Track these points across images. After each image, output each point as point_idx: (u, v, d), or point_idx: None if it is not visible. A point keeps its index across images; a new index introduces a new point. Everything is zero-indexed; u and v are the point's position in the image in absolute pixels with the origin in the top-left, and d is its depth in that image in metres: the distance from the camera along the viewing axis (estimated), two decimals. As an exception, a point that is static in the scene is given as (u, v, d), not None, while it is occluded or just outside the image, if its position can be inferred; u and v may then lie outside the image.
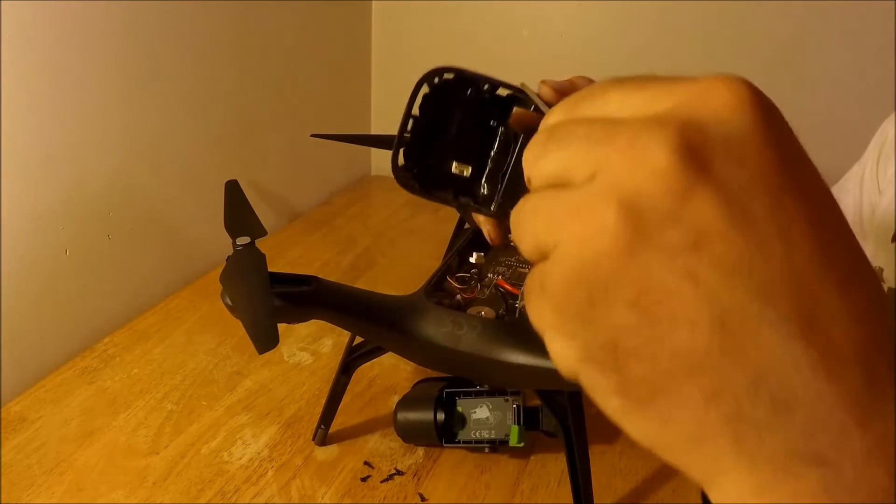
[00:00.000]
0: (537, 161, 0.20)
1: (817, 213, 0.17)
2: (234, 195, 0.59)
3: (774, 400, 0.16)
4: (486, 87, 0.36)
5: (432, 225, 1.06)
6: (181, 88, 0.84)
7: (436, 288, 0.55)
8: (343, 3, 1.13)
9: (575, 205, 0.18)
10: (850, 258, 0.17)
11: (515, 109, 0.37)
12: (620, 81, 0.20)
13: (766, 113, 0.18)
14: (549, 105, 0.36)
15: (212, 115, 0.90)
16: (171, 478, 0.58)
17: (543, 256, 0.19)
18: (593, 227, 0.17)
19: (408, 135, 0.37)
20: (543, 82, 0.36)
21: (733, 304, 0.16)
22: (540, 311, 0.19)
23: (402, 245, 1.01)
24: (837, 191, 0.59)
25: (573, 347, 0.18)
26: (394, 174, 0.38)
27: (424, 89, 0.36)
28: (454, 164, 0.38)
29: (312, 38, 1.07)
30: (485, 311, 0.52)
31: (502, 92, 0.36)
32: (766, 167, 0.17)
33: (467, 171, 0.38)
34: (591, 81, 0.37)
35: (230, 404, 0.67)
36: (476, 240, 0.62)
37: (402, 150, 0.37)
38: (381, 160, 1.30)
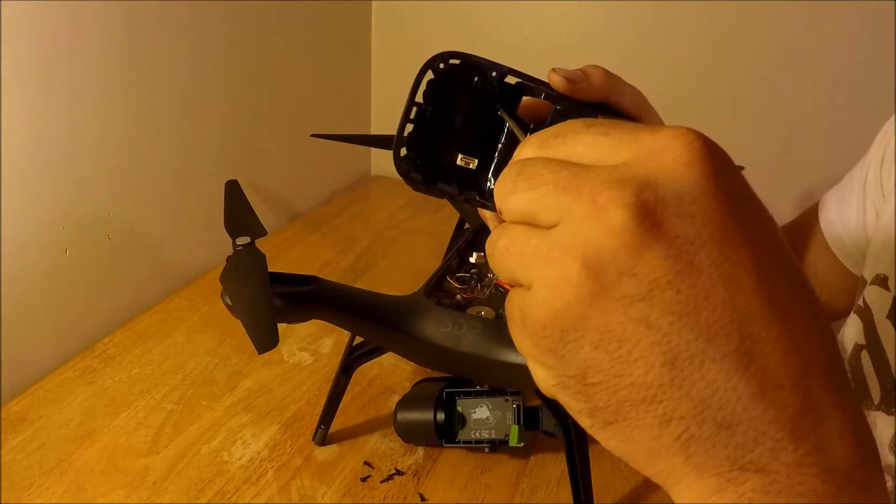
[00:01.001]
0: (507, 196, 0.22)
1: (761, 254, 0.20)
2: (234, 195, 0.59)
3: (718, 422, 0.19)
4: (493, 74, 0.34)
5: (432, 225, 1.06)
6: (181, 89, 0.84)
7: (436, 288, 0.55)
8: (343, 3, 1.13)
9: (543, 253, 0.21)
10: (791, 290, 0.20)
11: (525, 99, 0.35)
12: (589, 125, 0.22)
13: (716, 166, 0.20)
14: (559, 95, 0.35)
15: (212, 115, 0.90)
16: (171, 478, 0.58)
17: (519, 284, 0.22)
18: (561, 277, 0.20)
19: (411, 124, 0.35)
20: (554, 70, 0.34)
21: (682, 344, 0.19)
22: (521, 342, 0.22)
23: (402, 245, 1.01)
24: (841, 190, 0.59)
25: (548, 375, 0.22)
26: (395, 165, 0.35)
27: (429, 75, 0.34)
28: (459, 156, 0.36)
29: (312, 38, 1.07)
30: (485, 311, 0.52)
31: (511, 80, 0.34)
32: (713, 219, 0.19)
33: (473, 164, 0.36)
34: (605, 71, 0.36)
35: (230, 404, 0.67)
36: (476, 240, 0.62)
37: (404, 140, 0.35)
38: (381, 160, 1.30)
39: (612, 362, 0.20)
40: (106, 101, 0.74)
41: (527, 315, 0.21)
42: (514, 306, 0.22)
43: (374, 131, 1.28)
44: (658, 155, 0.20)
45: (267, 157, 1.02)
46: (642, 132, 0.21)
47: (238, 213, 0.55)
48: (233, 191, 0.59)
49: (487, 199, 0.36)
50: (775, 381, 0.19)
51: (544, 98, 0.35)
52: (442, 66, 0.34)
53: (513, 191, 0.22)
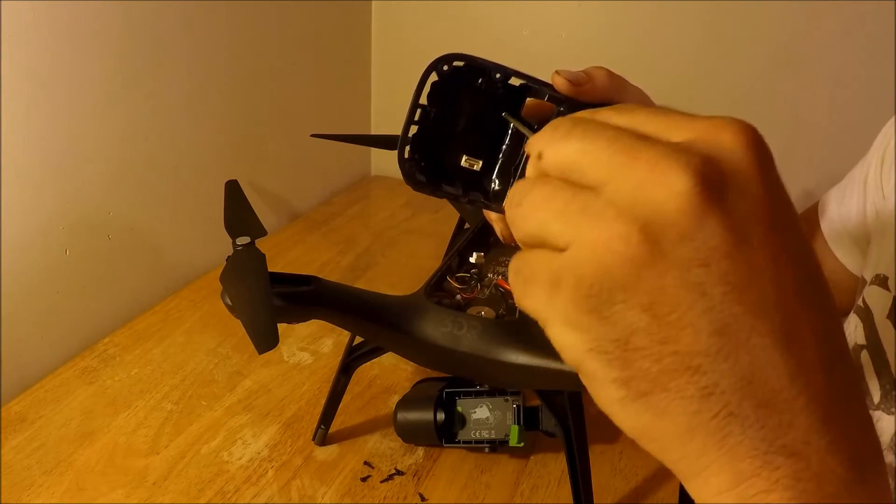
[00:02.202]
0: (557, 141, 0.21)
1: (795, 247, 0.20)
2: (234, 195, 0.59)
3: (757, 400, 0.19)
4: (497, 76, 0.34)
5: (432, 225, 1.06)
6: (181, 89, 0.84)
7: (436, 288, 0.55)
8: (343, 3, 1.13)
9: (595, 211, 0.20)
10: (816, 288, 0.21)
11: (529, 100, 0.35)
12: (643, 106, 0.22)
13: (765, 154, 0.20)
14: (563, 97, 0.35)
15: (212, 115, 0.90)
16: (171, 478, 0.58)
17: (542, 245, 0.21)
18: (614, 237, 0.19)
19: (415, 126, 0.35)
20: (557, 73, 0.34)
21: (732, 315, 0.19)
22: (552, 304, 0.21)
23: (402, 245, 1.01)
24: (841, 191, 0.59)
25: (583, 339, 0.20)
26: (400, 167, 0.35)
27: (433, 77, 0.34)
28: (464, 157, 0.36)
29: (312, 38, 1.07)
30: (485, 311, 0.52)
31: (514, 82, 0.35)
32: (765, 202, 0.20)
33: (478, 166, 0.36)
34: (609, 72, 0.36)
35: (230, 404, 0.67)
36: (476, 240, 0.62)
37: (408, 141, 0.35)
38: (381, 160, 1.30)
39: (660, 326, 0.19)
40: (106, 101, 0.74)
41: (565, 273, 0.20)
42: (541, 266, 0.21)
43: (374, 131, 1.28)
44: (717, 136, 0.20)
45: (267, 157, 1.02)
46: (697, 116, 0.21)
47: (238, 213, 0.55)
48: (233, 191, 0.59)
49: (492, 201, 0.36)
50: (810, 364, 0.19)
51: (548, 100, 0.35)
52: (446, 68, 0.34)
53: (566, 136, 0.21)
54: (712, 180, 0.19)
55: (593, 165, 0.20)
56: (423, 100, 0.35)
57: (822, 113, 0.99)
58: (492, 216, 0.40)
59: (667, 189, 0.19)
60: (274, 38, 0.98)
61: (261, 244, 0.50)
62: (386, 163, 1.29)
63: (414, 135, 0.35)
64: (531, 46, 1.10)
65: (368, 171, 1.31)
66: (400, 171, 0.35)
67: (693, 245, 0.19)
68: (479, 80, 0.35)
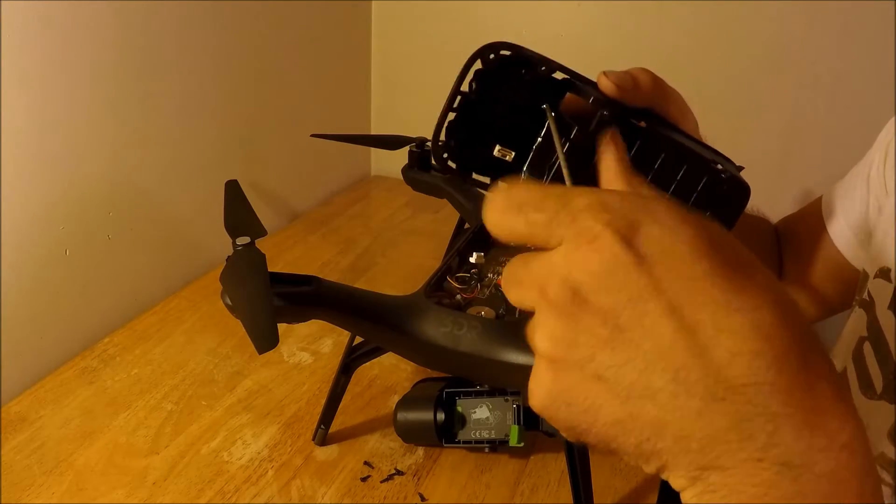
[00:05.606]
0: (507, 292, 0.28)
1: (679, 295, 0.23)
2: (234, 195, 0.59)
3: (674, 436, 0.23)
4: (542, 69, 0.34)
5: (432, 225, 1.06)
6: (181, 88, 0.84)
7: (436, 288, 0.55)
8: (343, 3, 1.13)
9: (532, 327, 0.26)
10: (716, 313, 0.23)
11: (569, 95, 0.35)
12: (532, 203, 0.26)
13: (629, 234, 0.24)
14: (605, 99, 0.35)
15: (212, 114, 0.90)
16: (171, 478, 0.58)
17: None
18: (541, 356, 0.25)
19: (452, 112, 0.35)
20: (605, 74, 0.36)
21: (628, 385, 0.23)
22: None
23: (402, 245, 1.01)
24: (845, 185, 0.59)
25: (555, 425, 0.26)
26: (432, 151, 0.35)
27: (477, 65, 0.34)
28: (497, 147, 0.36)
29: (312, 38, 1.07)
30: (485, 311, 0.52)
31: (558, 75, 0.35)
32: (627, 285, 0.23)
33: (510, 156, 0.36)
34: (653, 76, 0.38)
35: (230, 404, 0.67)
36: (476, 240, 0.62)
37: (445, 126, 0.35)
38: (381, 160, 1.30)
39: (582, 413, 0.25)
40: (106, 100, 0.74)
41: (530, 386, 0.26)
42: None
43: (374, 131, 1.28)
44: (581, 244, 0.24)
45: (267, 157, 1.02)
46: (569, 215, 0.25)
47: (238, 213, 0.55)
48: (233, 191, 0.59)
49: None
50: (715, 396, 0.23)
51: (592, 102, 0.34)
52: (492, 56, 0.34)
53: (506, 290, 0.28)
54: (574, 294, 0.24)
55: (523, 304, 0.27)
56: (465, 87, 0.34)
57: (821, 113, 0.99)
58: None
59: (551, 309, 0.25)
60: (274, 38, 0.98)
61: (261, 244, 0.50)
62: (386, 163, 1.29)
63: (450, 121, 0.35)
64: (530, 46, 1.10)
65: (368, 171, 1.31)
66: (432, 156, 0.35)
67: (578, 349, 0.24)
68: (523, 71, 0.34)
